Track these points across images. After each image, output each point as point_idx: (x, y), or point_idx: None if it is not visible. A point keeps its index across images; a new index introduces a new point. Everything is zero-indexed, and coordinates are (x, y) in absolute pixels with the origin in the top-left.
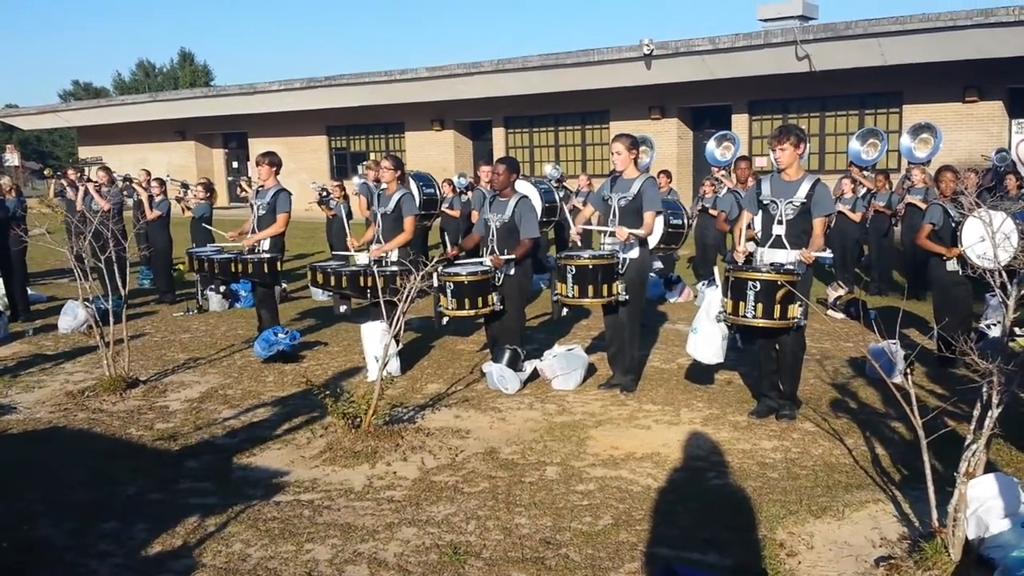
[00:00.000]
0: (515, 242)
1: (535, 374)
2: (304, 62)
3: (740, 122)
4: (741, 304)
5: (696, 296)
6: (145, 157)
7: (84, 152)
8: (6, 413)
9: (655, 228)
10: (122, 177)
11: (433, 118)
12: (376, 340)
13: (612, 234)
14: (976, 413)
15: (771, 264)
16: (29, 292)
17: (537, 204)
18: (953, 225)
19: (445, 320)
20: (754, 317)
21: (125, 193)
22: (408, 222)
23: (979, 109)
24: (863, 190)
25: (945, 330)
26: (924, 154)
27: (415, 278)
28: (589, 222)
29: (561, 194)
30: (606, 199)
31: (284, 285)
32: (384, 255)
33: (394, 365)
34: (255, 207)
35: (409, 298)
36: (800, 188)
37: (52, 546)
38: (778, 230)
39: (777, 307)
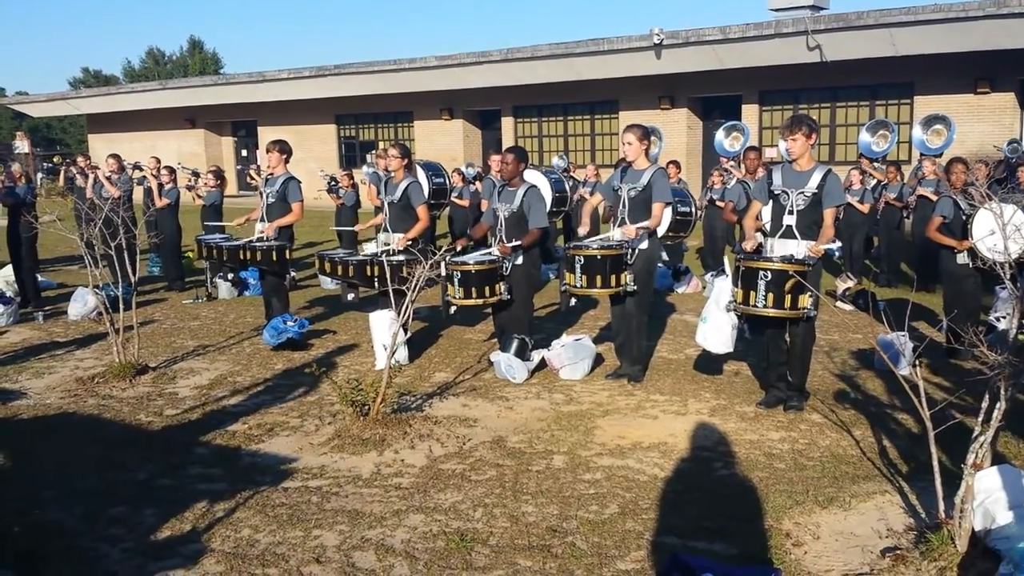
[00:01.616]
0: (524, 232)
1: (543, 363)
2: (314, 50)
3: (750, 112)
4: (751, 294)
5: (704, 287)
6: (154, 145)
7: (94, 140)
8: (16, 399)
9: (663, 219)
10: (132, 164)
11: (442, 107)
12: (384, 328)
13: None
14: (984, 405)
15: (781, 255)
16: (39, 279)
17: (547, 194)
18: (964, 217)
19: (453, 309)
20: (764, 307)
21: (135, 181)
22: (422, 210)
23: (991, 100)
24: (872, 181)
25: (954, 322)
26: (937, 145)
27: (423, 267)
28: (596, 212)
29: (569, 184)
30: (616, 189)
31: (293, 273)
32: (390, 245)
33: (402, 353)
34: (264, 195)
35: (417, 287)
36: (811, 178)
37: (62, 531)
38: (788, 220)
39: (787, 297)
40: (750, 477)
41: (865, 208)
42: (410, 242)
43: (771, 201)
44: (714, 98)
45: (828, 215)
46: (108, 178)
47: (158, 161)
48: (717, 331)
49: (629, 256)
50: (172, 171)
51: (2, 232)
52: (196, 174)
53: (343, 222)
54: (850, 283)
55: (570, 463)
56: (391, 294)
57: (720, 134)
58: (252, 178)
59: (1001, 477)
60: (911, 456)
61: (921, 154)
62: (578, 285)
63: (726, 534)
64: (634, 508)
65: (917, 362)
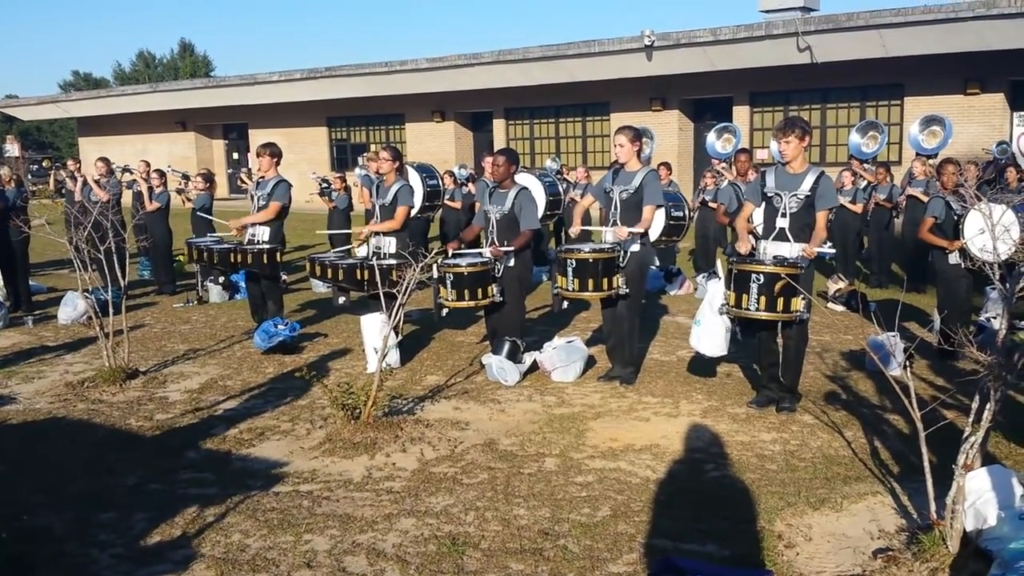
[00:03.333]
0: (515, 234)
1: (534, 366)
2: (305, 53)
3: (741, 114)
4: (744, 296)
5: (696, 289)
6: (145, 148)
7: (84, 143)
8: (6, 404)
9: (655, 221)
10: (121, 168)
11: (434, 109)
12: (375, 331)
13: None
14: (975, 406)
15: (774, 257)
16: (30, 283)
17: (540, 196)
18: (955, 218)
19: (445, 312)
20: (757, 309)
21: (125, 184)
22: (399, 211)
23: (980, 101)
24: (863, 182)
25: (945, 322)
26: (932, 146)
27: (414, 269)
28: (588, 214)
29: (563, 186)
30: (608, 191)
31: (284, 277)
32: (380, 248)
33: (393, 357)
34: (255, 198)
35: (408, 290)
36: (805, 181)
37: (52, 536)
38: (782, 223)
39: (780, 299)
40: (742, 479)
41: (857, 209)
42: (379, 234)
43: (764, 203)
44: (705, 100)
45: (821, 217)
46: (97, 182)
47: (148, 165)
48: (711, 334)
49: (621, 259)
50: (162, 174)
51: None
52: (186, 177)
53: (335, 225)
54: (841, 284)
55: (562, 466)
56: (382, 297)
57: (712, 136)
58: (243, 181)
59: (992, 478)
60: (902, 457)
61: (917, 154)
62: (570, 288)
63: (718, 536)
64: (626, 510)
65: (908, 363)
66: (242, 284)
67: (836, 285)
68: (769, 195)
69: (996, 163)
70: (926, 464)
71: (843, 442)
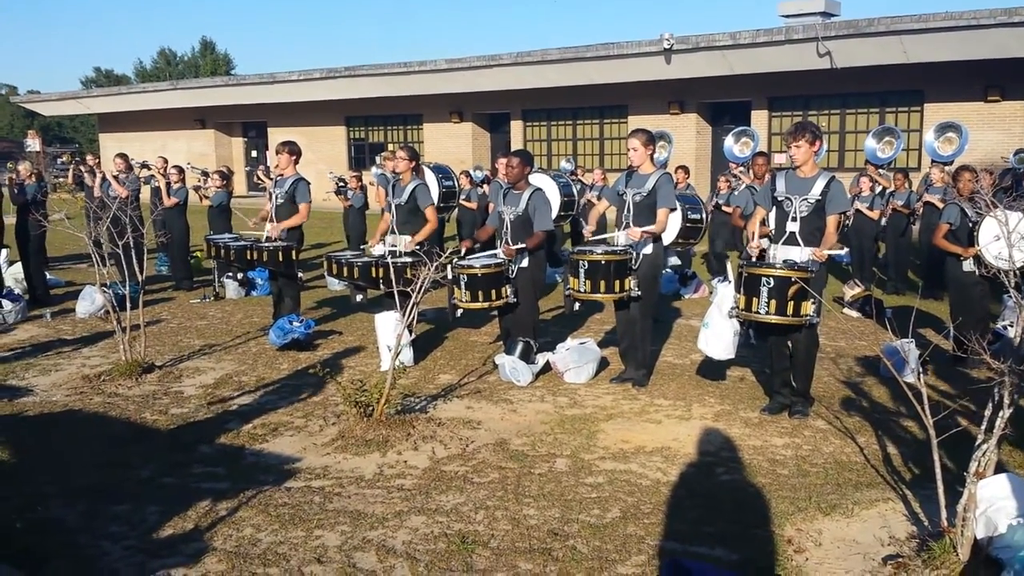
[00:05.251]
0: (529, 235)
1: (547, 367)
2: (324, 52)
3: (759, 118)
4: (754, 300)
5: (711, 292)
6: (165, 145)
7: (105, 139)
8: (23, 396)
9: (670, 224)
10: (140, 163)
11: (451, 110)
12: (390, 330)
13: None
14: (987, 413)
15: (784, 261)
16: (48, 276)
17: (555, 197)
18: (970, 225)
19: (459, 312)
20: (767, 313)
21: (143, 180)
22: (430, 212)
23: (1001, 109)
24: (880, 188)
25: (960, 330)
26: (948, 153)
27: (429, 269)
28: (604, 217)
29: (577, 187)
30: (621, 194)
31: (300, 275)
32: (396, 246)
33: (407, 355)
34: (274, 196)
35: (423, 289)
36: (815, 185)
37: (64, 528)
38: (792, 227)
39: (790, 304)
40: (753, 483)
41: (874, 215)
42: (417, 244)
43: (774, 207)
44: (724, 104)
45: (831, 222)
46: (116, 177)
47: (165, 161)
48: (719, 337)
49: (633, 261)
50: (180, 170)
51: (12, 230)
52: (205, 174)
53: (351, 224)
54: (857, 289)
55: (573, 466)
56: (396, 296)
57: (729, 140)
58: (260, 179)
59: (1004, 486)
60: (915, 463)
61: (932, 161)
62: (582, 290)
63: (728, 540)
64: (636, 512)
65: (921, 369)
66: (259, 281)
67: (852, 290)
68: (779, 199)
69: (1014, 171)
70: (938, 471)
71: (855, 448)
